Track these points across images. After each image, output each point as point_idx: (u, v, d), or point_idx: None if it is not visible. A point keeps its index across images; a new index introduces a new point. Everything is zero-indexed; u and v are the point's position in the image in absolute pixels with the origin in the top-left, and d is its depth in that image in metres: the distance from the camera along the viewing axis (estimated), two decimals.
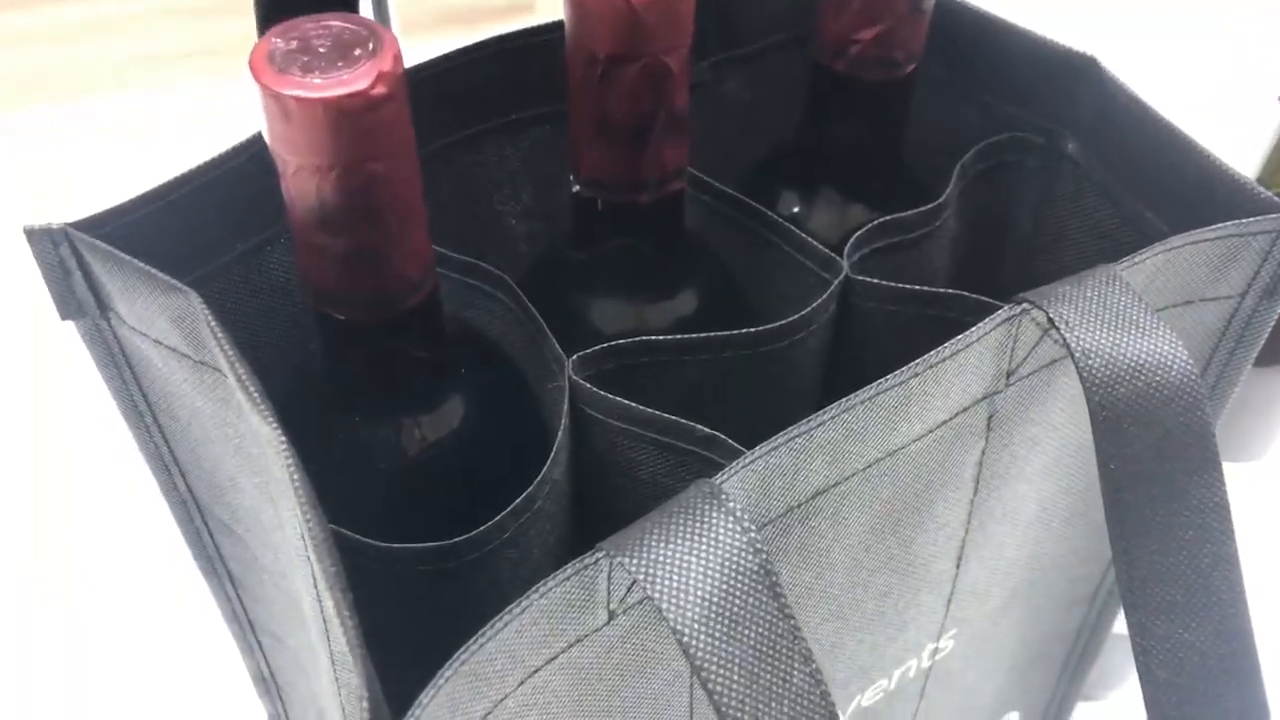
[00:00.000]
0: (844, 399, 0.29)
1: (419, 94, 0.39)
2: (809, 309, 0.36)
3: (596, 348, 0.34)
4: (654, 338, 0.35)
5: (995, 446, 0.34)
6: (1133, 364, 0.29)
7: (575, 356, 0.34)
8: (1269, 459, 0.49)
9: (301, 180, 0.29)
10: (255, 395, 0.29)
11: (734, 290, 0.40)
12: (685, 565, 0.25)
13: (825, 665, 0.36)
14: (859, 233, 0.38)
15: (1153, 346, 0.29)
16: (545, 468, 0.32)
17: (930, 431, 0.32)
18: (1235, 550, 0.31)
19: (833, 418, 0.29)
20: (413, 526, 0.33)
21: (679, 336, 0.35)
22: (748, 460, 0.28)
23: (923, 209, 0.38)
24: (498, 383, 0.36)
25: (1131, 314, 0.30)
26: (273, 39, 0.28)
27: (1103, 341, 0.29)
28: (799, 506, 0.30)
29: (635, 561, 0.25)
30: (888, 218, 0.38)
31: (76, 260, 0.33)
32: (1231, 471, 0.56)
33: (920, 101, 0.41)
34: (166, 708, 0.57)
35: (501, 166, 0.42)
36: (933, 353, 0.30)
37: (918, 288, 0.36)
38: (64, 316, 0.34)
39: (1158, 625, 0.30)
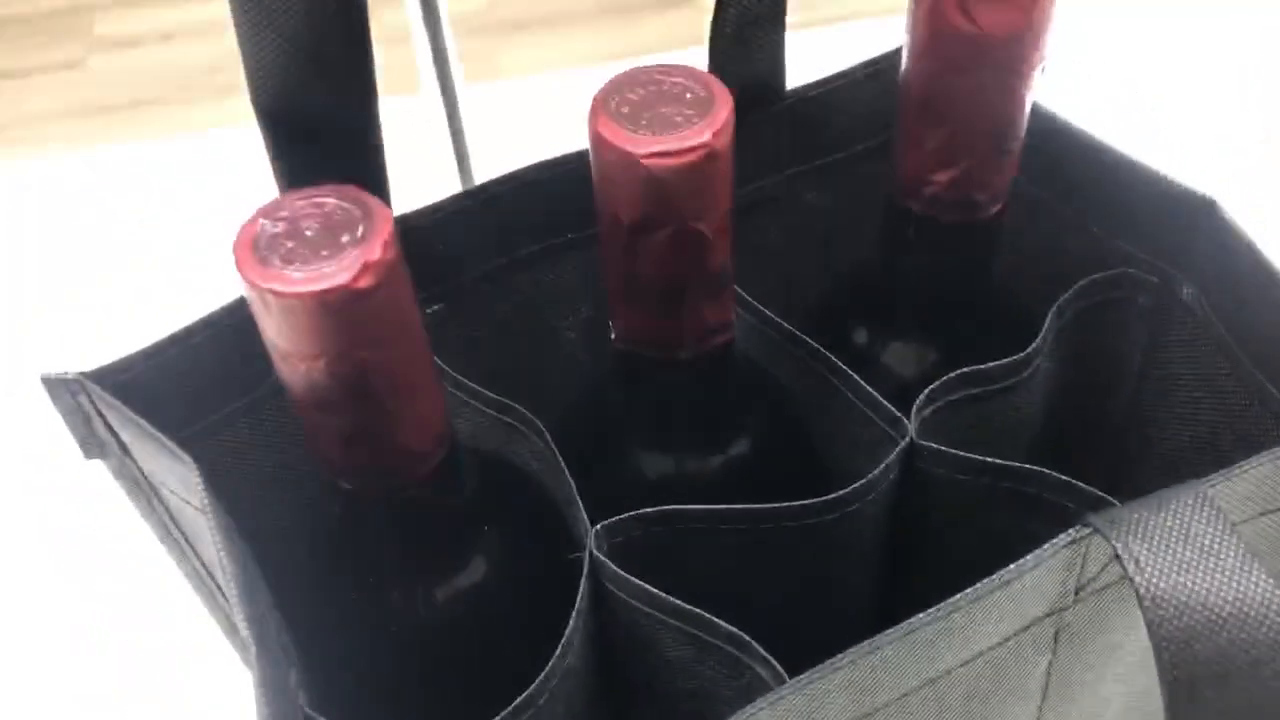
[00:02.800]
0: (871, 640, 0.26)
1: (469, 219, 0.37)
2: (863, 481, 0.32)
3: (622, 516, 0.32)
4: (687, 507, 0.32)
5: (1065, 659, 0.30)
6: (1214, 616, 0.25)
7: (599, 526, 0.31)
8: None
9: (290, 366, 0.27)
10: (235, 594, 0.28)
11: (793, 439, 0.36)
12: None
13: None
14: (932, 386, 0.34)
15: (1242, 593, 0.25)
16: (552, 661, 0.30)
17: (980, 655, 0.28)
18: None
19: (853, 660, 0.26)
20: (416, 707, 0.32)
21: (714, 507, 0.32)
22: (751, 712, 0.25)
23: (1009, 360, 0.34)
24: (520, 552, 0.34)
25: (1219, 551, 0.25)
26: (260, 220, 0.26)
27: (1179, 586, 0.25)
28: None
29: None
30: (967, 370, 0.34)
31: (94, 408, 0.32)
32: None
33: (1020, 224, 0.37)
34: None
35: (557, 285, 0.40)
36: (978, 585, 0.26)
37: (990, 460, 0.32)
38: (88, 457, 0.34)
39: None
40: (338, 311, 0.25)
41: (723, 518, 0.32)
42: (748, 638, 0.29)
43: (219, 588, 0.38)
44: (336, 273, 0.25)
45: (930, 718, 0.29)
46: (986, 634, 0.27)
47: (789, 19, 0.37)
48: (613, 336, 0.33)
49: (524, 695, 0.29)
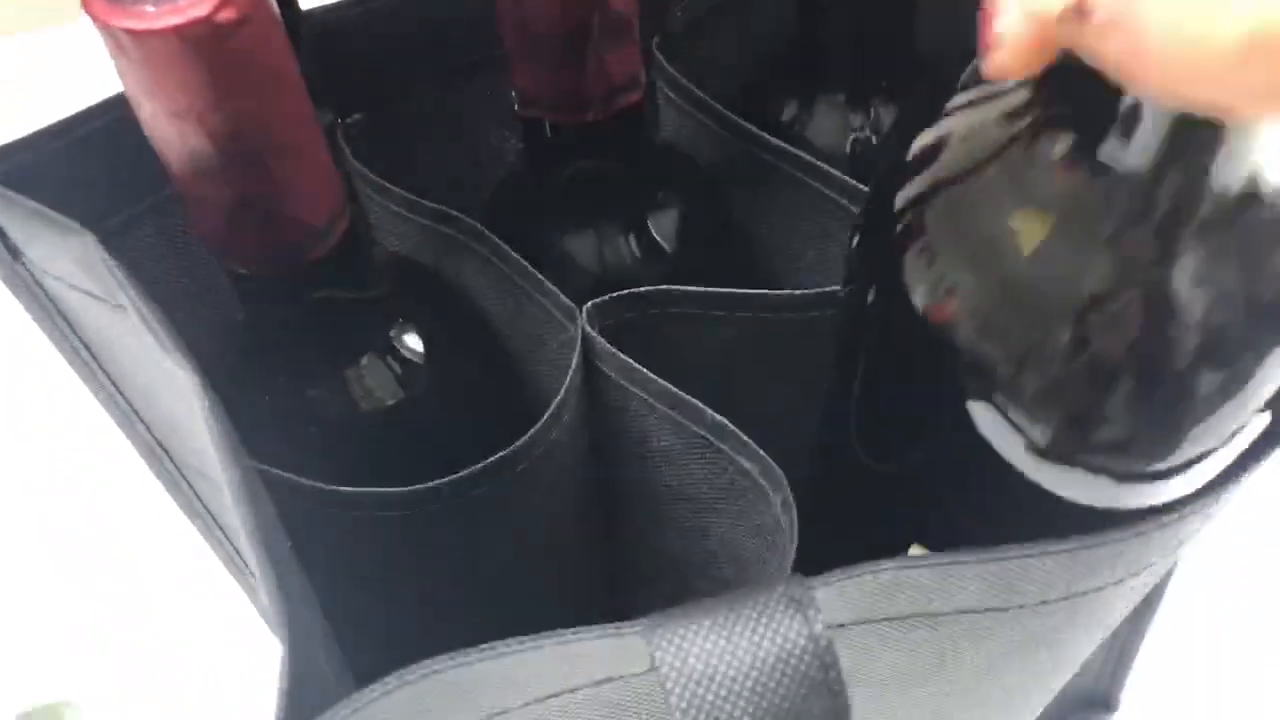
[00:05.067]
0: (1034, 545, 0.23)
1: (403, 20, 0.35)
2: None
3: (613, 295, 0.30)
4: (684, 288, 0.30)
5: None
6: None
7: (590, 305, 0.30)
8: None
9: (159, 125, 0.25)
10: (163, 337, 0.26)
11: (729, 223, 0.34)
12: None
13: None
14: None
15: None
16: (539, 425, 0.28)
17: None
18: None
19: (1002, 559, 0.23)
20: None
21: (712, 290, 0.30)
22: (878, 568, 0.23)
23: None
24: (453, 353, 0.32)
25: None
26: None
27: None
28: (936, 615, 0.24)
29: (674, 662, 0.21)
30: None
31: None
32: None
33: None
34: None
35: (496, 101, 0.37)
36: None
37: None
38: None
39: None
40: (201, 50, 0.23)
41: (719, 301, 0.30)
42: (731, 426, 0.28)
43: (131, 406, 0.36)
44: (194, 4, 0.23)
45: (1056, 621, 0.26)
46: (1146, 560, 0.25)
47: None
48: (515, 108, 0.31)
49: (504, 452, 0.28)
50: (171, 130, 0.25)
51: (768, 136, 0.33)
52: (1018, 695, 0.30)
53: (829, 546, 0.25)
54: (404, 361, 0.31)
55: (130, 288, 0.27)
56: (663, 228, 0.33)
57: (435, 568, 0.31)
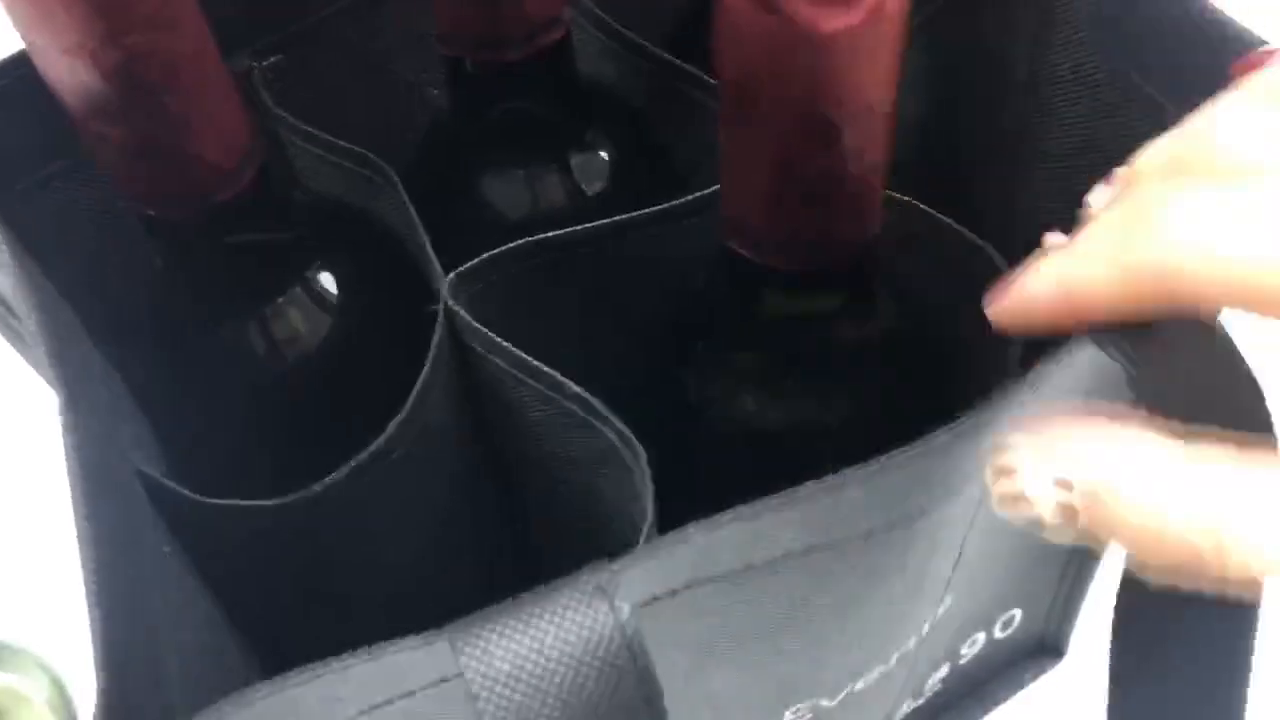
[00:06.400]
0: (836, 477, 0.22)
1: None
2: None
3: (478, 260, 0.29)
4: (543, 236, 0.29)
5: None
6: None
7: (453, 274, 0.29)
8: None
9: (52, 63, 0.25)
10: (31, 330, 0.25)
11: (647, 156, 0.34)
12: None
13: (805, 682, 0.30)
14: None
15: None
16: (404, 413, 0.27)
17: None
18: None
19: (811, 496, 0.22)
20: (263, 464, 0.30)
21: (573, 229, 0.29)
22: (682, 537, 0.22)
23: None
24: (372, 304, 0.32)
25: None
26: None
27: None
28: (765, 564, 0.24)
29: (479, 666, 0.21)
30: None
31: None
32: None
33: None
34: None
35: (408, 28, 0.37)
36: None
37: None
38: None
39: None
40: None
41: (583, 239, 0.29)
42: (593, 400, 0.27)
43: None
44: None
45: (896, 552, 0.26)
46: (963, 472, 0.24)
47: None
48: (440, 48, 0.30)
49: (372, 447, 0.27)
50: (65, 68, 0.24)
51: (670, 57, 0.32)
52: (890, 623, 0.30)
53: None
54: (317, 308, 0.30)
55: (24, 284, 0.26)
56: (592, 168, 0.32)
57: (328, 561, 0.31)
